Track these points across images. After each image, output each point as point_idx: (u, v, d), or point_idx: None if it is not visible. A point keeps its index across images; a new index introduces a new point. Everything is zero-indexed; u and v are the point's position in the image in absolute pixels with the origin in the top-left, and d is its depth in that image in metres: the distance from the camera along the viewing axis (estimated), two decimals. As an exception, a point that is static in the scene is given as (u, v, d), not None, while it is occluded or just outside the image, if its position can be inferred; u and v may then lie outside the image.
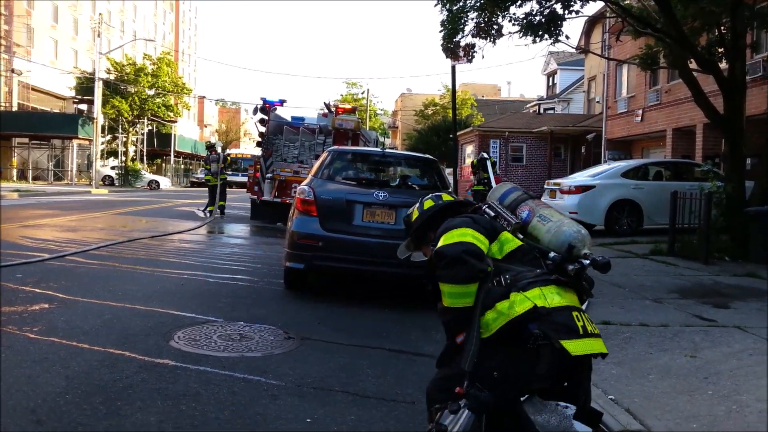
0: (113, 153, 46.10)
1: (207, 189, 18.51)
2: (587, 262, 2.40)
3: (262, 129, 15.47)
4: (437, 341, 5.31)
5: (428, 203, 2.82)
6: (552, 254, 2.46)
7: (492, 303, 2.34)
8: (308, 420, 3.57)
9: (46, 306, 5.82)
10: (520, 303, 2.30)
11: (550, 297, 2.33)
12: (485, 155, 19.09)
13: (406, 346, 5.21)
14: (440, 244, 2.46)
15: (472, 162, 20.03)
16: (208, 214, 17.25)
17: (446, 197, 2.85)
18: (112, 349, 4.61)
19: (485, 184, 17.91)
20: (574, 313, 2.33)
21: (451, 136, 28.50)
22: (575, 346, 2.25)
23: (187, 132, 60.71)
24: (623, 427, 3.64)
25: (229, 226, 15.72)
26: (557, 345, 2.23)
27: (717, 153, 15.73)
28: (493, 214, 2.66)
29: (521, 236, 2.59)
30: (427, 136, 45.89)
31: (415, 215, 2.84)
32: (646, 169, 14.77)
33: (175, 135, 52.07)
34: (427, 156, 8.54)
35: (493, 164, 18.85)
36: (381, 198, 6.74)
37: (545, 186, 15.22)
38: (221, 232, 14.45)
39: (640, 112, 21.75)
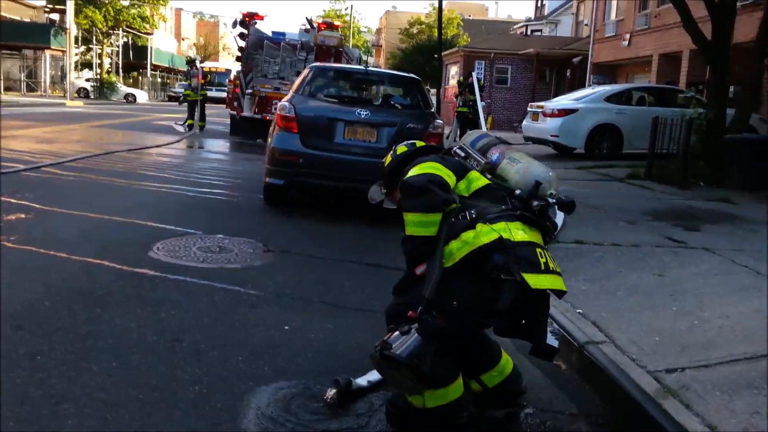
0: (88, 65, 44.61)
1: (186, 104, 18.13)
2: (553, 200, 2.48)
3: (242, 44, 15.05)
4: (414, 257, 5.41)
5: (401, 149, 2.86)
6: (518, 192, 2.51)
7: (456, 234, 2.38)
8: (286, 327, 3.66)
9: (23, 216, 5.78)
10: (486, 234, 2.33)
11: (515, 232, 2.36)
12: (475, 76, 18.46)
13: (385, 261, 5.30)
14: (407, 176, 2.50)
15: (459, 80, 19.44)
16: (187, 129, 16.98)
17: (419, 144, 2.90)
18: (90, 258, 4.63)
19: (470, 107, 17.60)
20: (538, 250, 2.37)
21: (435, 56, 27.94)
22: (536, 280, 2.30)
23: (164, 45, 58.70)
24: (588, 338, 3.79)
25: (208, 141, 15.52)
26: (519, 278, 2.27)
27: (701, 80, 15.68)
28: (463, 155, 2.70)
29: (489, 176, 2.62)
30: (411, 56, 44.99)
31: (388, 160, 2.88)
32: (630, 94, 14.72)
33: (151, 48, 50.36)
34: (411, 75, 8.41)
35: (481, 88, 18.33)
36: (363, 116, 6.67)
37: (528, 108, 15.16)
38: (200, 147, 14.27)
39: (628, 36, 21.43)
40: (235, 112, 15.11)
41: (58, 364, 2.97)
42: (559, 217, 5.55)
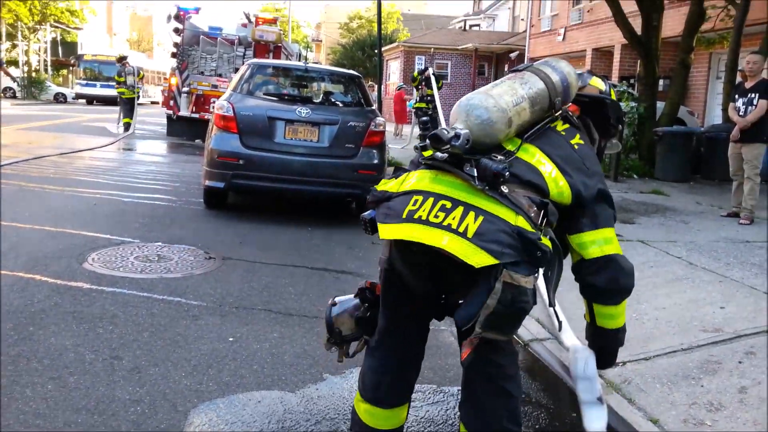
0: (13, 62, 42.58)
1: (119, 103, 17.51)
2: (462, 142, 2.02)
3: (177, 39, 14.63)
4: (360, 258, 5.40)
5: None
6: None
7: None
8: (230, 339, 3.58)
9: (-55, 228, 5.46)
10: (382, 185, 2.20)
11: (409, 181, 2.11)
12: (432, 71, 17.95)
13: (330, 264, 5.26)
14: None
15: (413, 76, 19.08)
16: (122, 130, 16.42)
17: None
18: (21, 272, 4.41)
19: (428, 102, 17.16)
20: (417, 197, 2.00)
21: (375, 51, 27.94)
22: (388, 230, 1.99)
23: (95, 41, 56.62)
24: (533, 336, 3.87)
25: (144, 143, 15.05)
26: (373, 229, 2.09)
27: (633, 74, 16.19)
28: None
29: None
30: (351, 51, 44.84)
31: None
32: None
33: (81, 44, 48.48)
34: (351, 72, 8.37)
35: (439, 82, 17.54)
36: (304, 115, 6.59)
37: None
38: (136, 149, 13.82)
39: (563, 30, 21.93)
40: (171, 112, 14.69)
41: (-14, 391, 2.81)
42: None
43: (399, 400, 2.37)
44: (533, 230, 1.90)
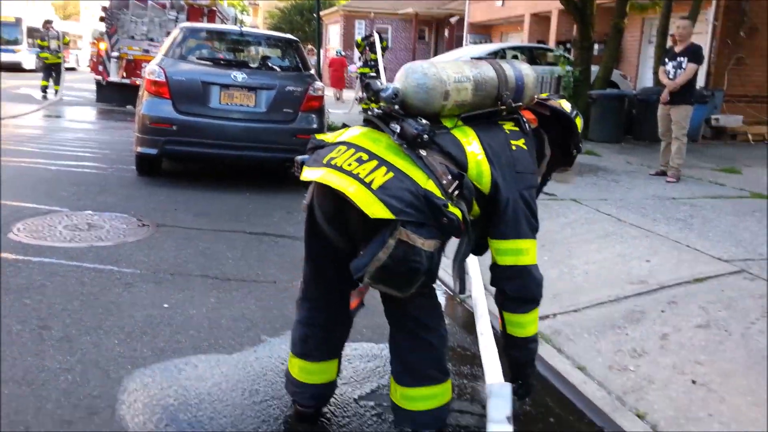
0: None
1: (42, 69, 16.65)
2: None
3: (106, 3, 14.01)
4: (300, 222, 5.34)
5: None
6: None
7: None
8: (165, 305, 3.52)
9: None
10: (322, 135, 2.30)
11: (344, 134, 2.21)
12: (376, 35, 17.59)
13: (269, 229, 5.21)
14: None
15: (357, 41, 18.74)
16: (51, 96, 15.64)
17: None
18: (-62, 244, 4.20)
19: (372, 67, 16.93)
20: (341, 147, 2.08)
21: (315, 15, 27.41)
22: (306, 173, 2.09)
23: (14, 3, 53.33)
24: (468, 294, 3.95)
25: (71, 109, 14.38)
26: (298, 172, 2.15)
27: (569, 39, 16.46)
28: None
29: None
30: (290, 15, 43.82)
31: None
32: (504, 53, 15.19)
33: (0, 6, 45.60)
34: (289, 36, 8.21)
35: (384, 47, 17.27)
36: (239, 79, 6.44)
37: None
38: (63, 116, 13.21)
39: (501, -5, 22.02)
40: (100, 77, 14.10)
41: None
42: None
43: (329, 354, 2.40)
44: (441, 197, 1.94)
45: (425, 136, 1.97)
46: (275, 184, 6.91)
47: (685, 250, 4.43)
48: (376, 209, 1.88)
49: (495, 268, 2.24)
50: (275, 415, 2.53)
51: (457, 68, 2.15)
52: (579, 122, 2.49)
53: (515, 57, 15.33)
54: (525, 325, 2.29)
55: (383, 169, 1.96)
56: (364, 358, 3.08)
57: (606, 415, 2.64)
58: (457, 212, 1.95)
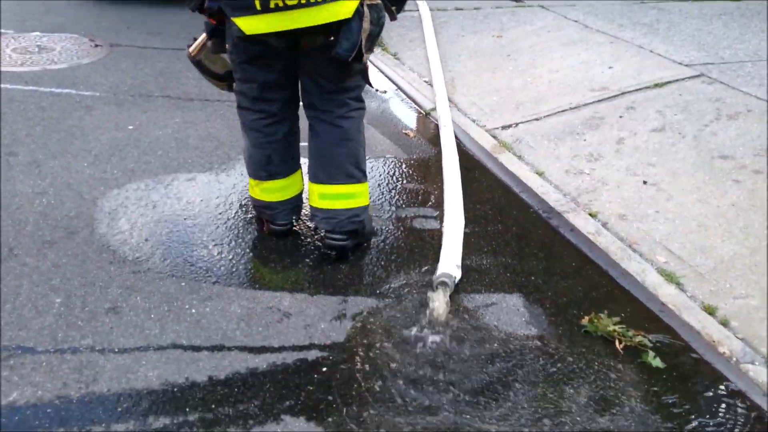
0: None
1: None
2: None
3: None
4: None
5: None
6: None
7: None
8: (130, 127, 3.50)
9: None
10: None
11: None
12: None
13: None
14: None
15: None
16: None
17: None
18: None
19: None
20: None
21: None
22: (248, 24, 2.01)
23: None
24: (433, 105, 3.98)
25: None
26: (230, 23, 2.09)
27: None
28: None
29: None
30: None
31: None
32: None
33: None
34: None
35: None
36: None
37: None
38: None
39: None
40: None
41: None
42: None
43: (293, 166, 2.48)
44: None
45: None
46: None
47: (648, 55, 4.45)
48: (350, 6, 1.97)
49: None
50: (251, 229, 2.67)
51: None
52: None
53: None
54: None
55: None
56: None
57: (561, 216, 2.83)
58: None
